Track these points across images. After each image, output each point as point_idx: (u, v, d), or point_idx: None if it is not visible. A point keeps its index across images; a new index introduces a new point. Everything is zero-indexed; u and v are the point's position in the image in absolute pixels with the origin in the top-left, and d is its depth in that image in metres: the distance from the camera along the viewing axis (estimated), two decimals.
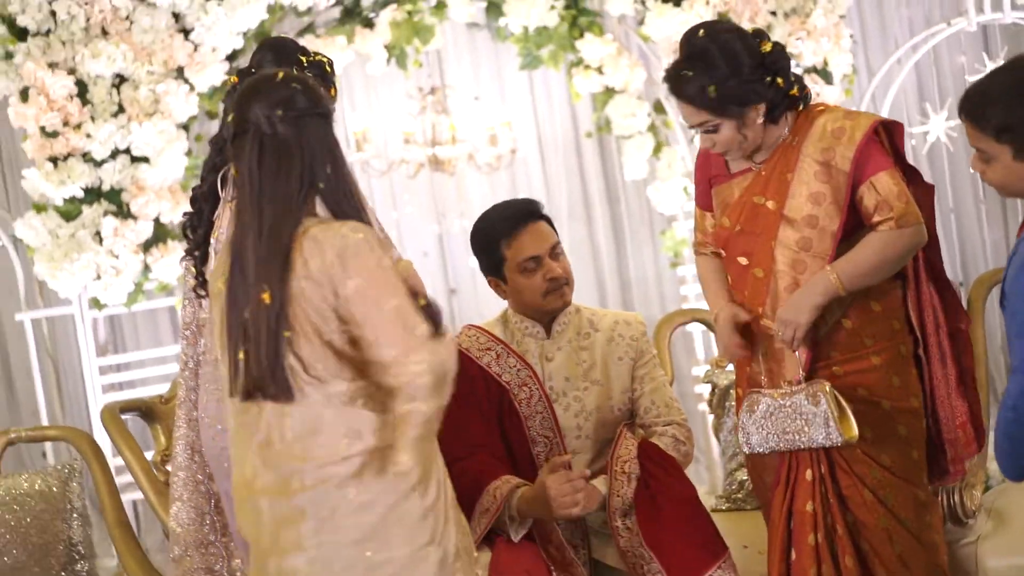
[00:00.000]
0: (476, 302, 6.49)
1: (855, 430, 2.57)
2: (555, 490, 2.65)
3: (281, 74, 2.22)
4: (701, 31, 2.66)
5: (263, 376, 2.13)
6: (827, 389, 2.58)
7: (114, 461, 4.18)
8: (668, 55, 5.15)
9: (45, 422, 5.21)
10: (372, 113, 6.43)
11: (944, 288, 2.77)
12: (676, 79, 2.65)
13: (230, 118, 2.21)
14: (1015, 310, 2.25)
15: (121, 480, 3.90)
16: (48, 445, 5.31)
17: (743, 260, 2.73)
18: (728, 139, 2.66)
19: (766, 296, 2.69)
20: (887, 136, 2.68)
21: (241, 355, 2.14)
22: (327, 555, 2.13)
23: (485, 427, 2.86)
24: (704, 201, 2.87)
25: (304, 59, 2.71)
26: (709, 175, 2.82)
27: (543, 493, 2.67)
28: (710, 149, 2.72)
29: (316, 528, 2.13)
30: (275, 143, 2.16)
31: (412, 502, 2.15)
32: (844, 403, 2.58)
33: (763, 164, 2.71)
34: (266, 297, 2.11)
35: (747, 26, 3.28)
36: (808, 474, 2.65)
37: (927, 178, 2.80)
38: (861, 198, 2.63)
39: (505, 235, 2.90)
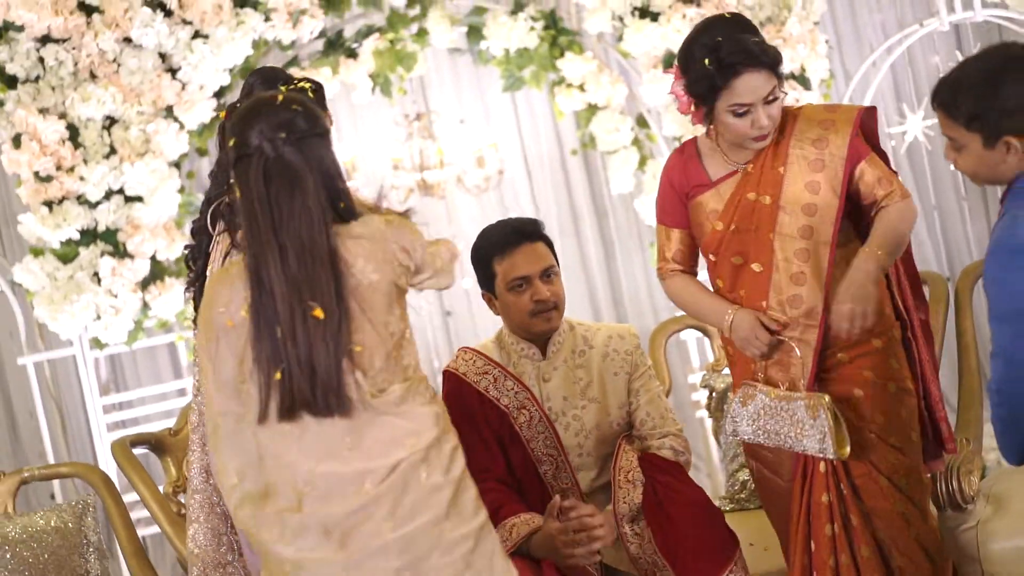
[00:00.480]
0: (472, 323, 6.51)
1: (848, 448, 2.60)
2: (560, 541, 2.68)
3: (281, 97, 2.20)
4: (725, 13, 2.71)
5: (319, 392, 2.11)
6: (826, 403, 2.59)
7: (125, 496, 4.20)
8: (647, 70, 5.21)
9: (52, 463, 5.22)
10: (360, 141, 6.46)
11: (912, 277, 2.81)
12: (756, 46, 2.59)
13: (232, 142, 2.18)
14: (991, 294, 2.31)
15: (131, 515, 3.91)
16: (56, 486, 5.32)
17: (737, 260, 2.73)
18: (782, 105, 2.67)
19: (767, 289, 2.69)
20: (860, 125, 2.73)
21: (278, 375, 2.12)
22: (407, 539, 2.13)
23: (488, 453, 2.87)
24: (674, 219, 2.83)
25: (286, 88, 2.72)
26: (685, 190, 2.79)
27: (551, 541, 2.69)
28: (763, 129, 2.65)
29: (393, 517, 2.13)
30: (280, 166, 2.14)
31: (467, 487, 2.20)
32: (841, 419, 2.60)
33: (750, 163, 2.73)
34: (318, 313, 2.10)
35: None
36: (822, 466, 2.67)
37: (908, 177, 2.87)
38: (858, 183, 2.68)
39: (498, 252, 2.93)
